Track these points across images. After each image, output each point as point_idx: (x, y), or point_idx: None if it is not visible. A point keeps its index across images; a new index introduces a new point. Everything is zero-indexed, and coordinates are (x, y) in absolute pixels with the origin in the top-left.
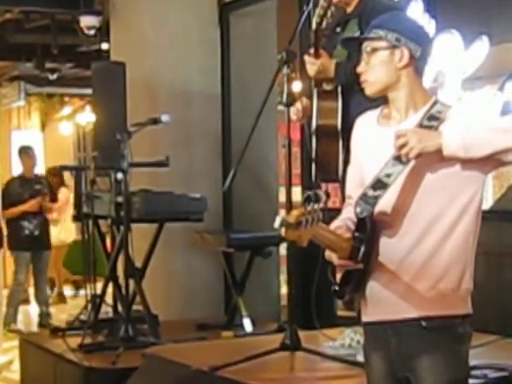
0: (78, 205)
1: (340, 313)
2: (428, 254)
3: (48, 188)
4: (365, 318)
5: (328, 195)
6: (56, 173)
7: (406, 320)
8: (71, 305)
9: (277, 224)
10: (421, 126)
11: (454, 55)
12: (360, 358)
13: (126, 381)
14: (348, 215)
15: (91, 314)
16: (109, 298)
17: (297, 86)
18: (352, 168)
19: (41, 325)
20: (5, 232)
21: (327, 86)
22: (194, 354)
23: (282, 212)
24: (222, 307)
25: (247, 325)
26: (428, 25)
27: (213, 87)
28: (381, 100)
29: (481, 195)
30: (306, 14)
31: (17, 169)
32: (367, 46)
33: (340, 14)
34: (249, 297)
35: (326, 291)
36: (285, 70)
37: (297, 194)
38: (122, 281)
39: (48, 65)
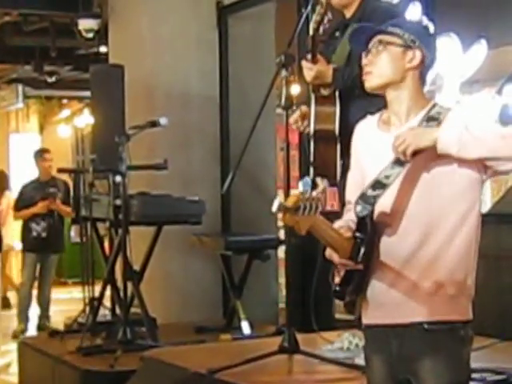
0: (76, 208)
1: (338, 316)
2: (430, 259)
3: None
4: (366, 321)
5: (323, 180)
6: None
7: (408, 324)
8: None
9: (275, 207)
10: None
11: (453, 58)
12: (358, 360)
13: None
14: (350, 217)
15: (89, 316)
16: (107, 301)
17: (295, 89)
18: (353, 173)
19: (39, 327)
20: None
21: (325, 92)
22: (192, 357)
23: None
24: (221, 310)
25: (245, 328)
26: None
27: (211, 90)
28: (380, 102)
29: (479, 202)
30: (304, 17)
31: (15, 171)
32: (382, 38)
33: (338, 18)
34: (247, 300)
35: (324, 294)
36: (283, 72)
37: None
38: (120, 283)
39: (46, 67)
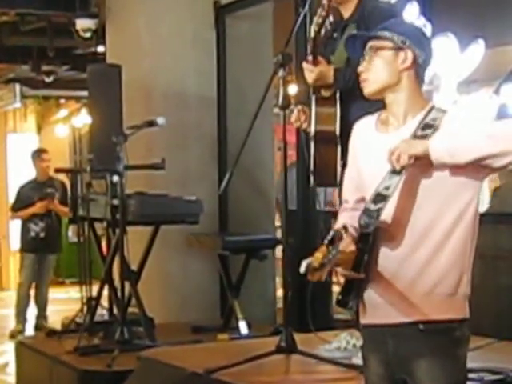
0: (74, 207)
1: (336, 316)
2: (424, 261)
3: (61, 190)
4: (363, 321)
5: (346, 229)
6: None
7: (403, 324)
8: None
9: (302, 269)
10: (414, 136)
11: (450, 58)
12: (356, 360)
13: (121, 383)
14: (351, 222)
15: (87, 316)
16: (104, 301)
17: (293, 89)
18: (349, 172)
19: (37, 327)
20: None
21: (325, 93)
22: (190, 357)
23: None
24: (218, 310)
25: (243, 327)
26: (424, 27)
27: (209, 90)
28: (381, 104)
29: (477, 201)
30: (302, 16)
31: (12, 171)
32: (373, 44)
33: (337, 19)
34: (244, 299)
35: (321, 294)
36: (281, 72)
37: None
38: (117, 283)
39: (44, 67)
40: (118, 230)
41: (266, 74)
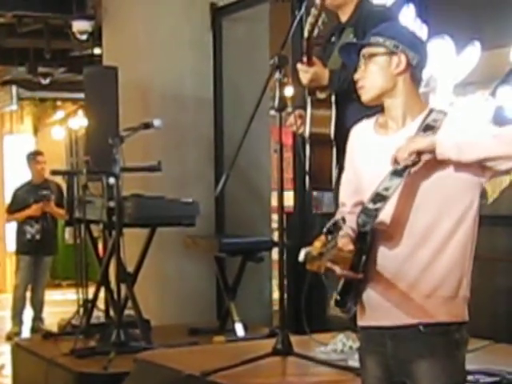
0: (70, 210)
1: (332, 318)
2: (426, 262)
3: (57, 193)
4: (361, 323)
5: (344, 220)
6: None
7: (403, 325)
8: None
9: (301, 258)
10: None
11: (446, 60)
12: (352, 362)
13: None
14: (349, 224)
15: (83, 318)
16: (101, 303)
17: (289, 91)
18: (347, 175)
19: (33, 329)
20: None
21: (320, 95)
22: (186, 359)
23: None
24: (214, 312)
25: (239, 330)
26: (420, 30)
27: (205, 91)
28: (377, 108)
29: (478, 204)
30: (298, 18)
31: (9, 173)
32: (366, 52)
33: (334, 23)
34: (241, 302)
35: (318, 296)
36: (277, 74)
37: (289, 198)
38: (113, 285)
39: (40, 69)
40: (114, 232)
41: (263, 75)
